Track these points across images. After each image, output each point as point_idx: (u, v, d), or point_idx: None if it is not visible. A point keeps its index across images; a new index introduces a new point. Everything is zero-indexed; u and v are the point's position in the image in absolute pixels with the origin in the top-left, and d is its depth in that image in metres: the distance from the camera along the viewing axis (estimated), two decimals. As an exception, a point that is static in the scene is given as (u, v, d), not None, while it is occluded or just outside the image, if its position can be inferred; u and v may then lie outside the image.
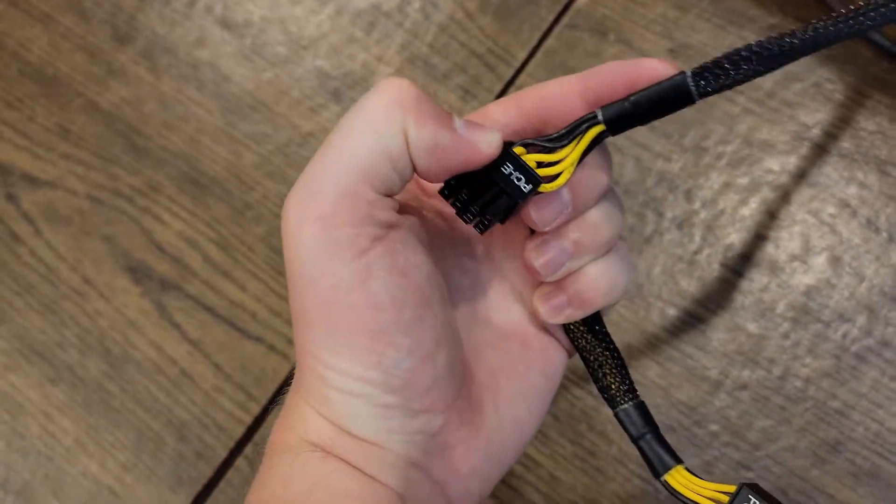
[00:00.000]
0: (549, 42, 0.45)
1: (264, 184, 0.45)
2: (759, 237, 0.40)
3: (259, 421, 0.42)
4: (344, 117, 0.24)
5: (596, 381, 0.28)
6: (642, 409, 0.27)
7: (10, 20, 0.50)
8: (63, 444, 0.42)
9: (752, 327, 0.39)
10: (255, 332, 0.43)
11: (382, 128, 0.23)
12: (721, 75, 0.24)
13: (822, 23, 0.23)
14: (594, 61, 0.44)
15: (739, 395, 0.39)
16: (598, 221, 0.27)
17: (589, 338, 0.28)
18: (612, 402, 0.28)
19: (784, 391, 0.38)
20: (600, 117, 0.24)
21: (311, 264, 0.24)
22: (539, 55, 0.45)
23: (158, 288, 0.44)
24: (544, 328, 0.29)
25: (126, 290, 0.44)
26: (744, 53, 0.24)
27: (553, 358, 0.29)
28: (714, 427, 0.38)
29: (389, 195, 0.24)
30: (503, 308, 0.29)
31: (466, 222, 0.25)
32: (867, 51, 0.42)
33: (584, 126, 0.25)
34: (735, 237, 0.40)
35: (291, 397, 0.26)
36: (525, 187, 0.24)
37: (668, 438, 0.39)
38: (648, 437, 0.27)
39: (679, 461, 0.27)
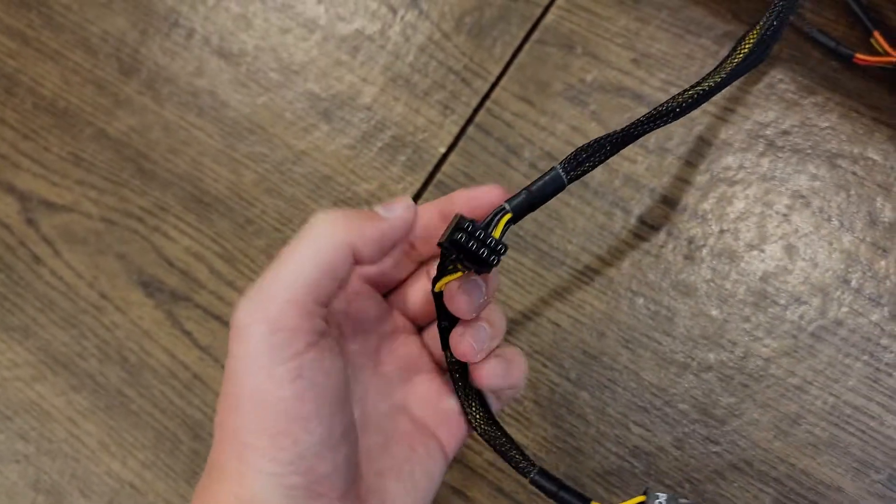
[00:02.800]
0: (521, 57, 0.48)
1: (263, 200, 0.48)
2: (719, 229, 0.44)
3: (266, 418, 0.45)
4: (291, 242, 0.29)
5: (506, 459, 0.34)
6: (544, 472, 0.34)
7: (23, 58, 0.54)
8: (88, 446, 0.46)
9: (714, 313, 0.42)
10: (260, 337, 0.46)
11: (327, 247, 0.29)
12: (584, 162, 0.31)
13: (663, 106, 0.32)
14: (563, 73, 0.47)
15: (705, 375, 0.42)
16: (498, 308, 0.33)
17: (490, 426, 0.34)
18: (524, 473, 0.34)
19: (746, 370, 0.41)
20: (508, 207, 0.30)
21: (253, 359, 0.28)
22: (512, 70, 0.48)
23: (170, 299, 0.47)
24: (429, 434, 0.34)
25: (140, 303, 0.48)
26: (601, 142, 0.31)
27: (436, 460, 0.33)
28: (683, 406, 0.42)
29: (326, 306, 0.29)
30: (393, 417, 0.33)
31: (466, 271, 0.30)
32: (816, 51, 0.45)
33: (497, 217, 0.30)
34: (697, 230, 0.44)
35: (205, 482, 0.29)
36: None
37: (640, 418, 0.42)
38: (561, 492, 0.33)
39: (588, 500, 0.33)
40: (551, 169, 0.30)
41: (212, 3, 0.52)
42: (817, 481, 0.40)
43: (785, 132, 0.45)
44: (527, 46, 0.48)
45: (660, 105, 0.33)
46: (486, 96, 0.48)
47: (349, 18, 0.51)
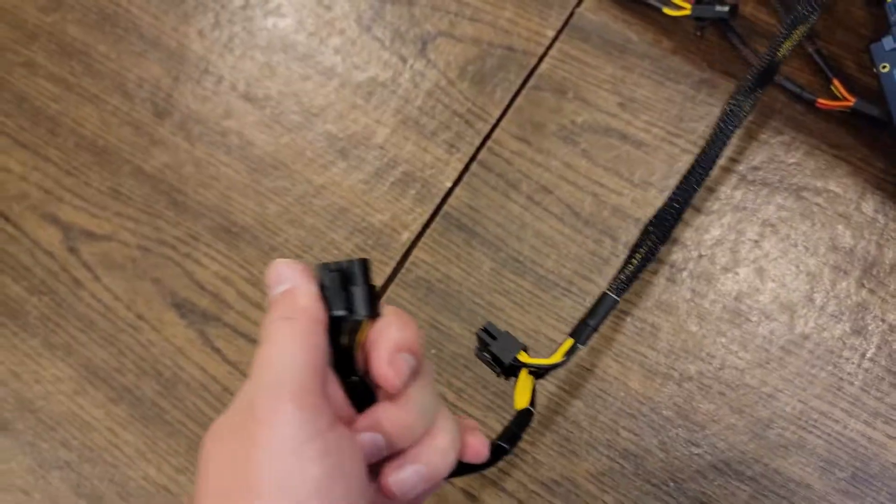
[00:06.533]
0: (519, 101, 0.54)
1: (286, 230, 0.53)
2: (697, 254, 0.49)
3: (289, 426, 0.50)
4: (263, 342, 0.29)
5: None
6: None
7: (65, 102, 0.59)
8: (125, 453, 0.50)
9: (693, 328, 0.47)
10: (283, 353, 0.51)
11: (304, 330, 0.30)
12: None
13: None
14: (556, 116, 0.53)
15: (686, 384, 0.46)
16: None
17: None
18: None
19: (723, 380, 0.46)
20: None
21: (281, 441, 0.27)
22: (510, 112, 0.53)
23: (201, 319, 0.52)
24: None
25: (173, 323, 0.52)
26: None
27: None
28: (667, 412, 0.46)
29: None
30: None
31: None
32: (783, 96, 0.51)
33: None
34: (677, 255, 0.49)
35: None
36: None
37: (629, 423, 0.47)
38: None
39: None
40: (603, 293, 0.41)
41: (239, 52, 0.58)
42: (788, 479, 0.44)
43: (755, 167, 0.50)
44: (524, 92, 0.54)
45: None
46: (488, 136, 0.53)
47: (364, 67, 0.56)
